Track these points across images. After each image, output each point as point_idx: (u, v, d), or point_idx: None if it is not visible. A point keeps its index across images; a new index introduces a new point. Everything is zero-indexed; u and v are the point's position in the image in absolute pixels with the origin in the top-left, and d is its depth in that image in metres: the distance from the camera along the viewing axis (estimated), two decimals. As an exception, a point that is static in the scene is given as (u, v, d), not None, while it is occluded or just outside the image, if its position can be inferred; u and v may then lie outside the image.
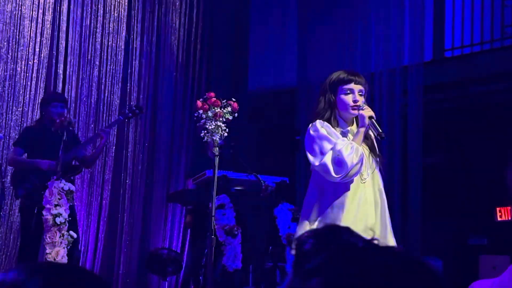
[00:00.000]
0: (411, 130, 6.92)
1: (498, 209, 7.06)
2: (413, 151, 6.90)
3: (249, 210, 6.26)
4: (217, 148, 4.34)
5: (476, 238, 7.17)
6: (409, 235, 6.86)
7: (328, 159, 3.44)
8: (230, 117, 4.33)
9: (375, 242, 1.01)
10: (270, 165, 7.65)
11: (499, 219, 7.05)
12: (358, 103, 3.56)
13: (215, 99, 4.36)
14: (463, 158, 7.96)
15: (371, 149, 3.64)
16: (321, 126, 3.54)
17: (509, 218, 7.01)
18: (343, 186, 3.53)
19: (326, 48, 7.82)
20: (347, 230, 1.02)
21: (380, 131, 3.51)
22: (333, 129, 3.56)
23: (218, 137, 4.29)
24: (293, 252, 1.03)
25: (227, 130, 4.32)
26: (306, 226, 3.52)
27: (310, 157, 3.52)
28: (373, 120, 3.53)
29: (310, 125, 3.60)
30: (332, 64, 7.72)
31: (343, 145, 3.46)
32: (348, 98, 3.58)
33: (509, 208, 7.02)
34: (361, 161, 3.46)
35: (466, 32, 7.25)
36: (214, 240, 4.23)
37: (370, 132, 3.65)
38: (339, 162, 3.41)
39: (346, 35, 7.69)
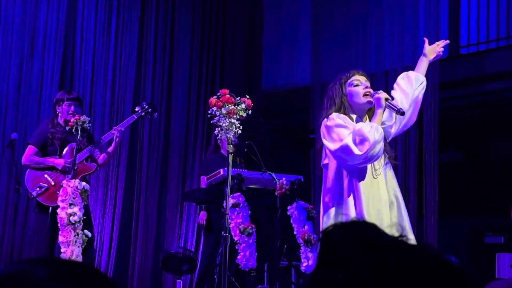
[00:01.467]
0: (426, 127, 6.87)
1: (514, 207, 7.01)
2: (429, 148, 6.85)
3: (263, 208, 6.24)
4: (231, 146, 4.32)
5: (492, 236, 7.11)
6: (425, 233, 6.82)
7: (349, 140, 3.43)
8: (244, 114, 4.31)
9: (403, 239, 1.00)
10: (284, 164, 7.63)
11: (515, 217, 6.99)
12: (369, 90, 3.62)
13: (228, 96, 4.34)
14: (479, 155, 7.90)
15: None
16: (337, 116, 3.56)
17: (526, 216, 6.95)
18: (355, 182, 3.51)
19: (339, 46, 7.78)
20: (373, 225, 1.01)
21: (399, 107, 3.54)
22: (349, 119, 3.58)
23: (232, 134, 4.27)
24: (318, 244, 1.02)
25: (241, 127, 4.30)
26: (330, 220, 3.51)
27: (329, 144, 3.52)
28: (390, 101, 3.56)
29: (324, 119, 3.61)
30: (346, 61, 7.68)
31: (362, 124, 3.48)
32: (359, 88, 3.64)
33: (525, 206, 6.96)
34: (383, 139, 3.46)
35: (482, 28, 7.19)
36: (228, 238, 4.21)
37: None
38: (360, 140, 3.41)
39: (360, 32, 7.65)
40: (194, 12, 8.32)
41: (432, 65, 7.02)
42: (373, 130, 3.42)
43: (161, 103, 7.96)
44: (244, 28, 8.63)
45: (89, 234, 5.06)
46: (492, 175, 7.50)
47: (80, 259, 4.90)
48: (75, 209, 4.93)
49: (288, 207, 5.74)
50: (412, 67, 7.09)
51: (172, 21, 8.17)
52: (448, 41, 4.10)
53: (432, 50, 4.00)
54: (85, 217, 5.08)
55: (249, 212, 5.58)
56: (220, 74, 8.42)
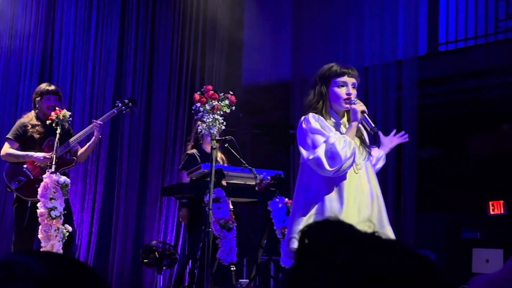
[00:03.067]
0: (405, 123, 6.92)
1: (490, 203, 7.09)
2: (407, 145, 6.91)
3: (244, 203, 6.26)
4: (215, 141, 4.33)
5: (469, 231, 7.19)
6: (403, 228, 6.88)
7: (321, 152, 3.45)
8: (228, 110, 4.33)
9: (377, 235, 1.01)
10: (264, 159, 7.65)
11: (491, 212, 7.07)
12: (351, 96, 3.58)
13: (212, 92, 4.35)
14: (457, 152, 7.98)
15: (362, 139, 3.66)
16: (314, 120, 3.55)
17: (502, 212, 7.03)
18: (339, 177, 3.54)
19: (320, 42, 7.81)
20: (349, 225, 1.03)
21: (373, 125, 3.54)
22: (326, 122, 3.57)
23: (216, 130, 4.28)
24: (296, 245, 1.03)
25: (224, 123, 4.32)
26: (303, 221, 3.51)
27: (303, 151, 3.54)
28: (365, 114, 3.56)
29: (302, 119, 3.62)
30: (326, 57, 7.70)
31: (336, 138, 3.48)
32: (342, 91, 3.60)
33: (501, 202, 7.05)
34: (353, 154, 3.48)
35: (460, 26, 7.26)
36: (211, 233, 4.23)
37: (361, 126, 3.67)
38: (332, 155, 3.43)
39: (341, 29, 7.69)
40: (175, 7, 8.31)
41: (411, 62, 7.09)
42: (346, 147, 3.44)
43: (141, 98, 7.94)
44: (224, 23, 8.63)
45: (70, 229, 5.05)
46: (469, 171, 7.58)
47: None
48: (56, 204, 4.91)
49: (268, 202, 5.77)
50: (391, 63, 7.18)
51: (152, 17, 8.15)
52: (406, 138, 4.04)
53: (389, 141, 3.99)
54: (65, 212, 5.07)
55: (230, 207, 5.60)
56: (200, 69, 8.41)
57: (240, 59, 8.84)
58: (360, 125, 3.65)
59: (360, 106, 3.54)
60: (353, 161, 3.50)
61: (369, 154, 3.70)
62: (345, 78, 3.61)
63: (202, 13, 8.49)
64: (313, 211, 3.54)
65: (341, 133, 3.59)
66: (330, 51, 7.70)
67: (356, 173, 3.58)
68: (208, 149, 6.32)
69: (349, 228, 1.01)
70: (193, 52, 8.40)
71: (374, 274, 0.93)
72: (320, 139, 3.50)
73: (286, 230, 5.68)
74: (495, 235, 6.95)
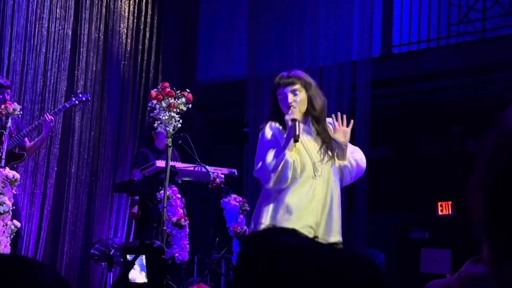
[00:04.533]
0: (358, 124, 6.99)
1: (439, 203, 7.22)
2: (360, 145, 6.97)
3: (197, 201, 6.24)
4: (170, 139, 4.31)
5: (417, 231, 7.31)
6: (354, 228, 6.95)
7: (258, 169, 3.57)
8: (184, 108, 4.31)
9: (316, 241, 1.00)
10: (218, 157, 7.64)
11: (440, 213, 7.20)
12: (291, 106, 3.57)
13: (169, 89, 4.32)
14: (408, 153, 8.10)
15: (326, 142, 3.64)
16: (268, 130, 3.61)
17: (450, 213, 7.17)
18: (291, 184, 3.54)
19: (276, 41, 7.84)
20: (288, 230, 1.01)
21: (297, 133, 3.48)
22: (279, 130, 3.60)
23: (172, 127, 4.26)
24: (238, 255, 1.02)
25: (180, 121, 4.30)
26: (252, 228, 3.60)
27: (255, 163, 3.62)
28: (296, 123, 3.51)
29: (261, 127, 3.68)
30: (282, 56, 7.74)
31: (268, 154, 3.53)
32: (283, 103, 3.61)
33: (450, 202, 7.18)
34: (286, 168, 3.48)
35: (414, 29, 7.37)
36: (165, 231, 4.20)
37: (330, 127, 3.68)
38: (264, 171, 3.52)
39: (296, 28, 7.72)
40: (130, 2, 8.22)
41: (365, 63, 7.17)
42: (272, 162, 3.49)
43: (94, 92, 7.84)
44: (180, 19, 8.58)
45: (18, 224, 4.96)
46: (419, 172, 7.70)
47: (8, 249, 4.80)
48: (4, 199, 4.81)
49: (221, 200, 5.76)
50: (345, 64, 7.25)
51: (107, 10, 8.05)
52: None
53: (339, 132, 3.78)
54: (14, 207, 4.97)
55: (182, 204, 5.58)
56: (154, 65, 8.35)
57: (195, 55, 8.80)
58: (329, 126, 3.66)
59: (289, 116, 3.53)
60: (286, 172, 3.49)
61: (331, 157, 3.65)
62: (282, 90, 3.61)
63: (157, 7, 8.43)
64: (262, 219, 3.55)
65: (309, 132, 3.64)
66: (286, 50, 7.73)
67: (314, 178, 3.56)
68: (160, 146, 6.28)
69: (287, 236, 0.99)
70: (148, 47, 8.34)
71: (313, 282, 0.92)
72: (263, 154, 3.59)
73: (238, 228, 5.69)
74: (443, 235, 7.08)
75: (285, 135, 3.57)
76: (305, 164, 3.55)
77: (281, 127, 3.60)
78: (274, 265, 0.94)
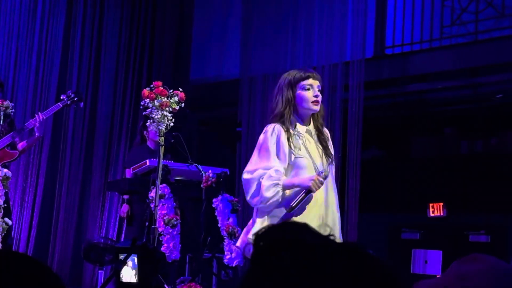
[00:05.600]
0: (350, 124, 7.01)
1: (430, 205, 7.24)
2: (352, 146, 7.00)
3: (189, 200, 6.24)
4: (162, 138, 4.30)
5: (409, 232, 7.33)
6: (345, 228, 6.97)
7: (248, 179, 3.48)
8: (177, 107, 4.30)
9: (331, 238, 1.02)
10: (211, 156, 7.64)
11: (431, 214, 7.22)
12: (318, 99, 3.54)
13: (162, 88, 4.32)
14: (399, 154, 8.13)
15: (325, 148, 3.63)
16: (271, 134, 3.52)
17: (441, 214, 7.19)
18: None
19: (269, 41, 7.84)
20: (305, 226, 1.03)
21: (293, 205, 3.44)
22: (282, 139, 3.52)
23: (164, 126, 4.25)
24: (251, 247, 1.03)
25: (173, 120, 4.29)
26: (260, 223, 3.49)
27: (247, 165, 3.55)
28: (307, 196, 3.46)
29: (265, 128, 3.58)
30: (275, 56, 7.75)
31: (265, 178, 3.45)
32: (309, 94, 3.55)
33: (441, 204, 7.20)
34: (275, 202, 3.45)
35: (407, 30, 7.39)
36: (157, 230, 4.20)
37: (326, 131, 3.68)
38: (256, 192, 3.45)
39: (290, 28, 7.73)
40: (123, 0, 8.21)
41: (357, 65, 7.18)
42: (269, 192, 3.42)
43: (87, 91, 7.83)
44: (173, 18, 8.57)
45: (10, 222, 4.95)
46: (410, 173, 7.72)
47: (-1, 247, 4.79)
48: (-4, 197, 4.81)
49: (213, 200, 5.76)
50: (338, 64, 7.26)
51: (101, 9, 8.04)
52: None
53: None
54: (5, 205, 4.96)
55: (174, 203, 5.57)
56: (148, 64, 8.34)
57: (189, 54, 8.80)
58: (326, 130, 3.67)
59: (313, 185, 3.43)
60: (275, 204, 3.47)
61: (331, 161, 3.65)
62: (310, 81, 3.57)
63: (151, 7, 8.42)
64: (266, 216, 3.51)
65: (304, 145, 3.56)
66: (279, 50, 7.74)
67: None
68: (152, 145, 6.28)
69: (304, 230, 1.02)
70: (141, 46, 8.33)
71: (328, 278, 0.94)
72: (259, 164, 3.48)
73: (230, 228, 5.69)
74: (434, 237, 7.10)
75: (295, 134, 3.55)
76: (307, 166, 3.54)
77: (283, 133, 3.52)
78: (290, 259, 0.96)
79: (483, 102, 7.31)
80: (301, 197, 3.44)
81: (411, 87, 7.26)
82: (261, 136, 3.56)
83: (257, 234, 1.03)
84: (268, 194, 3.42)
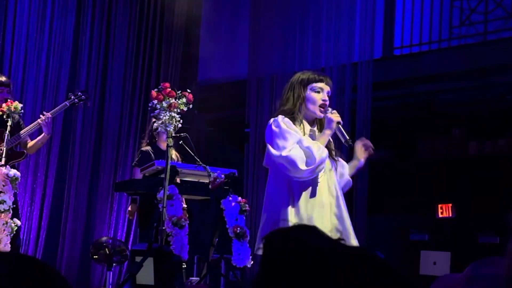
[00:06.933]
0: (359, 126, 7.00)
1: (439, 206, 7.22)
2: (360, 147, 6.98)
3: (197, 201, 6.23)
4: (171, 139, 4.31)
5: (417, 234, 7.31)
6: (354, 230, 6.95)
7: (295, 151, 3.42)
8: (185, 108, 4.31)
9: (342, 242, 1.02)
10: (219, 157, 7.64)
11: (440, 215, 7.20)
12: (326, 103, 3.58)
13: (170, 89, 4.32)
14: (408, 155, 8.10)
15: (330, 151, 3.64)
16: (282, 122, 3.51)
17: (450, 215, 7.17)
18: (301, 187, 3.51)
19: (277, 42, 7.84)
20: (314, 229, 1.03)
21: (348, 138, 3.55)
22: (294, 126, 3.54)
23: (172, 128, 4.25)
24: (261, 250, 1.03)
25: (181, 121, 4.29)
26: (271, 226, 3.48)
27: (273, 151, 3.48)
28: (340, 126, 3.56)
29: (271, 120, 3.58)
30: (283, 57, 7.75)
31: (311, 142, 3.48)
32: (318, 96, 3.58)
33: (450, 205, 7.18)
34: (324, 161, 3.47)
35: (415, 31, 7.37)
36: (165, 231, 4.20)
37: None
38: (308, 156, 3.42)
39: (298, 29, 7.73)
40: (132, 1, 8.23)
41: (366, 65, 7.17)
42: (320, 151, 3.44)
43: (96, 91, 7.85)
44: (181, 19, 8.58)
45: (19, 223, 4.96)
46: (419, 174, 7.70)
47: (8, 248, 4.80)
48: (5, 197, 4.82)
49: (222, 201, 5.76)
50: (347, 66, 7.25)
51: (109, 9, 8.05)
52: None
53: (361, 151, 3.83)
54: (14, 206, 4.97)
55: (183, 204, 5.57)
56: (156, 64, 8.35)
57: (197, 55, 8.81)
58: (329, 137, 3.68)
59: (336, 117, 3.54)
60: (323, 167, 3.50)
61: (335, 164, 3.68)
62: (322, 85, 3.61)
63: (159, 8, 8.43)
64: (273, 220, 3.50)
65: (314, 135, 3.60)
66: (287, 51, 7.73)
67: (318, 183, 3.54)
68: (162, 146, 6.28)
69: (314, 234, 1.01)
70: (150, 47, 8.34)
71: (337, 283, 0.93)
72: (290, 140, 3.46)
73: (238, 229, 5.69)
74: (443, 238, 7.08)
75: (309, 132, 3.58)
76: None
77: (292, 123, 3.54)
78: (301, 263, 0.96)
79: (492, 103, 7.28)
80: (341, 131, 3.55)
81: (419, 88, 7.24)
82: (273, 127, 3.53)
83: (266, 238, 1.02)
84: (323, 154, 3.44)
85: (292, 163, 3.42)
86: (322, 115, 3.60)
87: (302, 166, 3.41)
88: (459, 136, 7.70)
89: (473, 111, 7.54)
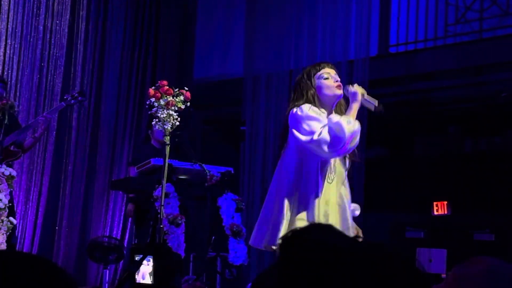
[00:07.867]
0: (355, 123, 6.99)
1: (435, 203, 7.23)
2: (356, 145, 6.99)
3: (193, 199, 6.24)
4: (168, 137, 4.31)
5: (413, 231, 7.32)
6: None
7: (325, 133, 3.34)
8: (183, 106, 4.31)
9: (359, 240, 1.03)
10: (215, 155, 7.64)
11: (435, 213, 7.21)
12: (339, 83, 3.54)
13: (167, 87, 4.32)
14: (403, 153, 8.12)
15: None
16: (308, 107, 3.44)
17: (445, 213, 7.18)
18: (315, 185, 3.45)
19: (273, 39, 7.84)
20: (330, 227, 1.03)
21: (376, 104, 3.47)
22: (320, 112, 3.47)
23: (170, 126, 4.25)
24: (278, 250, 1.03)
25: (178, 119, 4.29)
26: (289, 225, 3.42)
27: (301, 136, 3.40)
28: (365, 96, 3.50)
29: (295, 109, 3.47)
30: (279, 55, 7.75)
31: (339, 117, 3.40)
32: (329, 81, 3.53)
33: (445, 202, 7.19)
34: (358, 133, 3.38)
35: (411, 29, 7.38)
36: (162, 229, 4.21)
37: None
38: (339, 131, 3.33)
39: (293, 27, 7.73)
40: (127, -1, 8.22)
41: (361, 63, 7.18)
42: (350, 125, 3.35)
43: (91, 89, 7.83)
44: (177, 17, 8.57)
45: (15, 221, 4.96)
46: (414, 171, 7.71)
47: (4, 246, 4.80)
48: (1, 196, 4.81)
49: (218, 199, 5.76)
50: (343, 63, 7.25)
51: (105, 8, 8.04)
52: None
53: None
54: (9, 204, 4.97)
55: (179, 202, 5.57)
56: (152, 63, 8.35)
57: (192, 53, 8.80)
58: None
59: (360, 89, 3.49)
60: (358, 141, 3.42)
61: (347, 163, 3.63)
62: (327, 69, 3.57)
63: (155, 6, 8.42)
64: (290, 218, 3.44)
65: None
66: (283, 48, 7.74)
67: (329, 183, 3.50)
68: (157, 144, 6.28)
69: (330, 232, 1.02)
70: (145, 45, 8.33)
71: (355, 280, 0.94)
72: (317, 124, 3.37)
73: (234, 227, 5.69)
74: (438, 235, 7.09)
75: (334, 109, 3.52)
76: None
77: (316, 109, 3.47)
78: (317, 260, 0.97)
79: (487, 101, 7.29)
80: (367, 101, 3.48)
81: (415, 85, 7.25)
82: (298, 113, 3.44)
83: (284, 237, 1.03)
84: (355, 126, 3.35)
85: (325, 143, 3.33)
86: (341, 91, 3.52)
87: (334, 146, 3.33)
88: (455, 134, 7.71)
89: (469, 109, 7.55)
